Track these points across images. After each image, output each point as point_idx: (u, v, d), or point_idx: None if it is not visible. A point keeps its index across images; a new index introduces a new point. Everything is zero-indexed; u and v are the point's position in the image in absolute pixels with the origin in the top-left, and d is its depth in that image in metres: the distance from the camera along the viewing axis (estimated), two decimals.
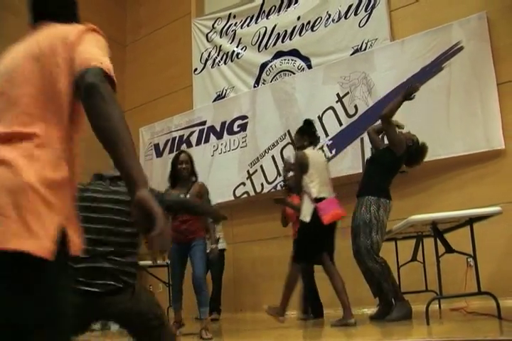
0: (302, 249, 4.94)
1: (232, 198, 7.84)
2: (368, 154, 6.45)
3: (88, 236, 2.54)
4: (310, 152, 5.07)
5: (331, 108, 7.11)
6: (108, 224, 2.74)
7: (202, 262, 5.02)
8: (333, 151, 6.95)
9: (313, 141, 5.26)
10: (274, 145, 7.56)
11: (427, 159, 6.14)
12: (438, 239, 4.09)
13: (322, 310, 5.97)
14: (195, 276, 4.98)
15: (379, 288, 4.73)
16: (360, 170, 6.36)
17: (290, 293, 4.92)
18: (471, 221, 4.02)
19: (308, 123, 5.32)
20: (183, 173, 5.19)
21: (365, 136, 6.56)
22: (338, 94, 7.07)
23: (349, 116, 6.95)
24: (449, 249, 4.10)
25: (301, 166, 4.97)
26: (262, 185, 7.60)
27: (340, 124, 7.01)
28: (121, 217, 2.75)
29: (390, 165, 4.94)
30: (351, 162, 6.68)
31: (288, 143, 7.41)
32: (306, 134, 5.22)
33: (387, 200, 4.77)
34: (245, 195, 7.75)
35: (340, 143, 6.93)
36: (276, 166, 7.44)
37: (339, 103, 7.06)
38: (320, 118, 7.11)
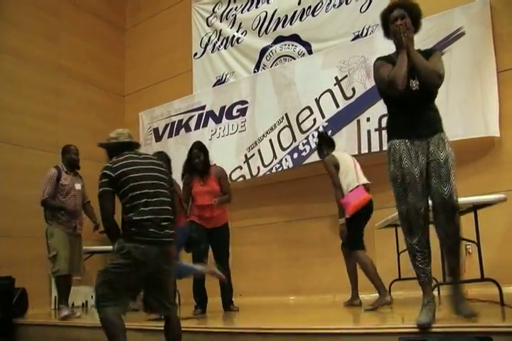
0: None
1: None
2: (364, 137, 6.63)
3: None
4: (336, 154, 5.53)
5: (329, 90, 7.13)
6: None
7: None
8: (329, 133, 6.95)
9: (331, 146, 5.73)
10: (272, 129, 7.58)
11: None
12: None
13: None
14: None
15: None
16: (356, 152, 6.45)
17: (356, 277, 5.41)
18: (474, 208, 4.05)
19: (319, 136, 6.03)
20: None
21: (362, 118, 6.70)
22: (336, 78, 7.08)
23: (346, 98, 6.96)
24: None
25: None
26: (258, 168, 7.64)
27: (337, 106, 7.03)
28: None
29: None
30: (346, 144, 6.67)
31: (285, 126, 7.46)
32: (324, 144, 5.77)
33: None
34: (241, 179, 7.77)
35: (336, 124, 6.96)
36: (273, 149, 7.49)
37: (337, 86, 7.08)
38: (317, 101, 7.16)
